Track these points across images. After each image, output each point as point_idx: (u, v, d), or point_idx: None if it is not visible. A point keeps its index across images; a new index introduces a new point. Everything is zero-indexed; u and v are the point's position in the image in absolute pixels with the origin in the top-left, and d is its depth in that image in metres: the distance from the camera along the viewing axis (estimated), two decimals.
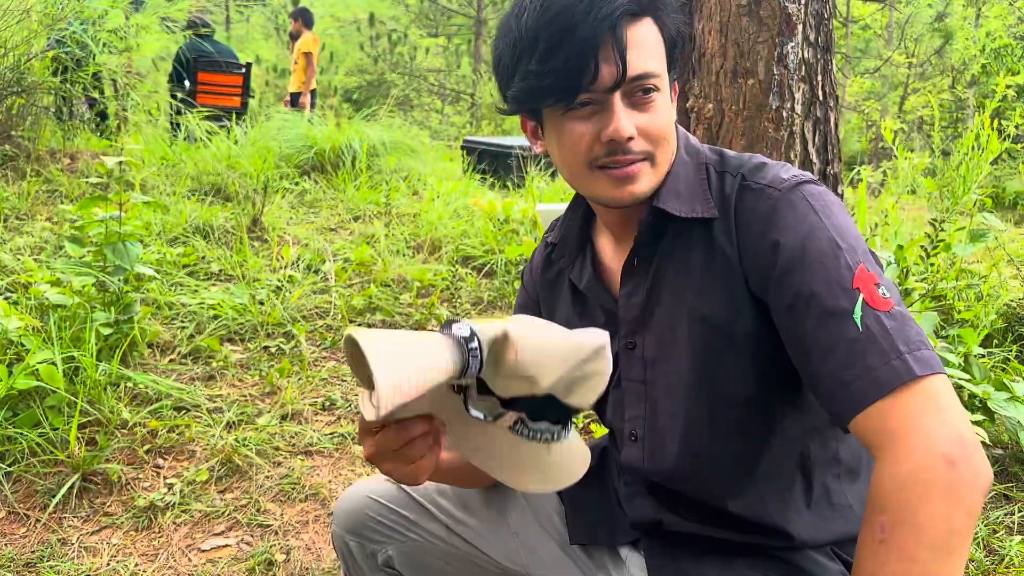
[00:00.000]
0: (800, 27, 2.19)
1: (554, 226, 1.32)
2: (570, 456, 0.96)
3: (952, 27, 15.30)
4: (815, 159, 2.28)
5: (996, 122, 3.21)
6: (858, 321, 0.90)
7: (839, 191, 2.46)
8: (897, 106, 16.08)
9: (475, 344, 0.82)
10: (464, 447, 0.98)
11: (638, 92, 1.01)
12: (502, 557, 1.28)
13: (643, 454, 1.16)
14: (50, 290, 2.78)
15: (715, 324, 1.05)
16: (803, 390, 1.07)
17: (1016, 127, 3.82)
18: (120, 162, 2.84)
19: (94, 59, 5.39)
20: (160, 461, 2.49)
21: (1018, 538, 2.19)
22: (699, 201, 1.08)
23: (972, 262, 3.68)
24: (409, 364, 0.77)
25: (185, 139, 5.97)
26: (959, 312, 2.60)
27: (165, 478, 2.42)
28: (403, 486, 1.30)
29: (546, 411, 0.90)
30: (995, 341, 2.99)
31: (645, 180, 1.05)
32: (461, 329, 0.83)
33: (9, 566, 2.06)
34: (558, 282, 1.28)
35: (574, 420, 0.94)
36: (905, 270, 2.02)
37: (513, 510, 1.30)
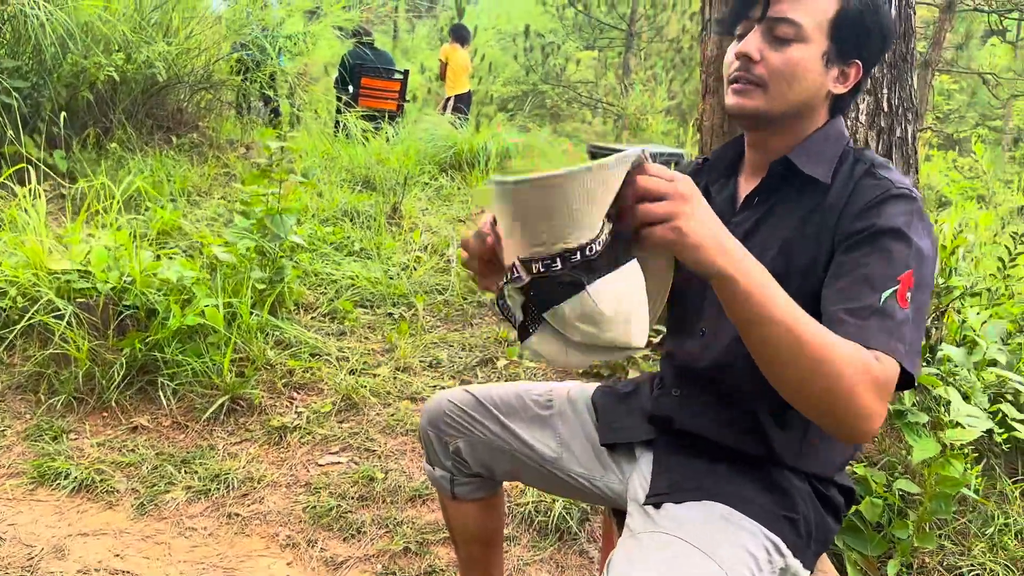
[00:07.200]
0: None
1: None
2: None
3: None
4: None
5: None
6: (882, 299, 1.14)
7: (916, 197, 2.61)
8: None
9: None
10: None
11: (777, 31, 1.24)
12: (544, 449, 1.57)
13: (700, 345, 1.40)
14: (220, 251, 3.34)
15: (793, 258, 1.28)
16: None
17: None
18: (281, 146, 3.38)
19: (271, 62, 6.12)
20: (294, 394, 2.98)
21: None
22: (823, 166, 1.31)
23: None
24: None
25: (345, 136, 6.62)
26: None
27: (296, 407, 2.90)
28: (474, 392, 1.63)
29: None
30: None
31: (752, 100, 1.28)
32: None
33: (170, 461, 2.59)
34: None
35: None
36: (950, 270, 2.19)
37: (561, 420, 1.59)
